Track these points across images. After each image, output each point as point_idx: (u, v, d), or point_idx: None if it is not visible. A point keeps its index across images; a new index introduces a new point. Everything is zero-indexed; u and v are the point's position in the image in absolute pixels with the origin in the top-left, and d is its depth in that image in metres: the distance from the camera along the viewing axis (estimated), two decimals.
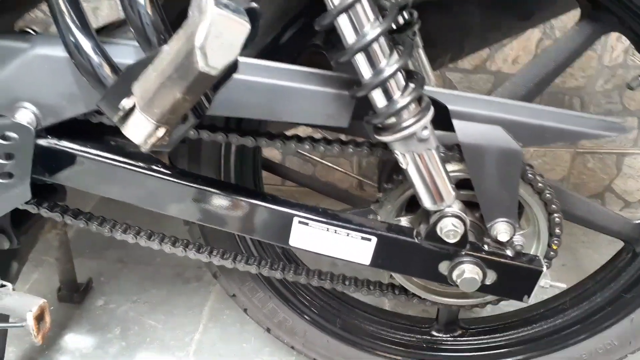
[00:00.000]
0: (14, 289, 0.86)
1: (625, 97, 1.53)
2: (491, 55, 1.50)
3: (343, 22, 0.61)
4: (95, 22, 0.65)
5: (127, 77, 0.57)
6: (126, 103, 0.55)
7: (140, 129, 0.56)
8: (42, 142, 0.72)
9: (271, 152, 1.73)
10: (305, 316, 1.01)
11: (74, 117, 0.70)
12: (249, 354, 1.22)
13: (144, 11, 0.58)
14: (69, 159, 0.74)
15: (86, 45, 0.61)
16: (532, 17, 0.96)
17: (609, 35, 1.44)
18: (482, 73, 1.52)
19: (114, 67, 0.61)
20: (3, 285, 0.84)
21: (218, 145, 0.87)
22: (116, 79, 0.59)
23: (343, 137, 0.87)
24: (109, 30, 0.76)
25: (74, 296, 1.28)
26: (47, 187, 0.85)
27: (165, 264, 1.43)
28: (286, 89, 0.70)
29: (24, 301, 0.79)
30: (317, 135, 0.86)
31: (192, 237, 0.95)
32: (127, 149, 0.75)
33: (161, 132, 0.56)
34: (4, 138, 0.67)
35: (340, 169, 1.59)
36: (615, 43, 1.45)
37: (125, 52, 0.64)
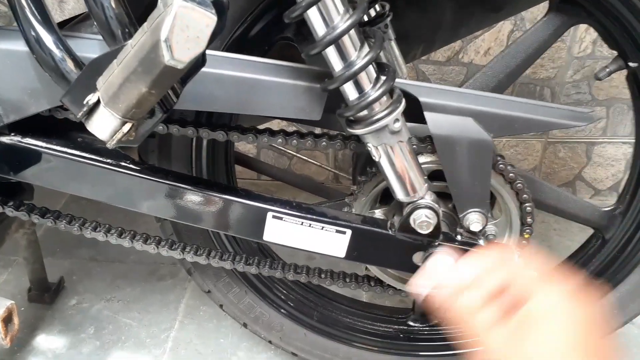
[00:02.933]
0: None
1: (593, 87, 1.56)
2: (463, 48, 1.51)
3: (313, 15, 0.60)
4: (61, 16, 0.63)
5: (90, 71, 0.56)
6: (90, 98, 0.54)
7: (105, 125, 0.55)
8: (5, 139, 0.70)
9: (246, 146, 1.72)
10: (282, 310, 1.01)
11: (38, 113, 0.68)
12: (226, 350, 1.22)
13: (107, 4, 0.57)
14: (34, 157, 0.73)
15: (48, 39, 0.59)
16: (502, 10, 0.97)
17: (577, 27, 1.46)
18: (455, 65, 1.53)
19: (77, 61, 0.59)
20: None
21: (189, 140, 0.86)
22: (79, 73, 0.57)
23: (317, 130, 0.87)
24: (73, 24, 0.74)
25: (45, 296, 1.25)
26: (13, 186, 0.83)
27: (140, 261, 1.41)
28: (256, 82, 0.69)
29: None
30: (291, 128, 0.86)
31: (164, 233, 0.94)
32: (94, 145, 0.73)
33: (127, 127, 0.55)
34: None
35: (315, 162, 1.59)
36: (584, 35, 1.48)
37: (89, 46, 0.63)
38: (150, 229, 0.92)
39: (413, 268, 0.80)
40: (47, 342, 1.20)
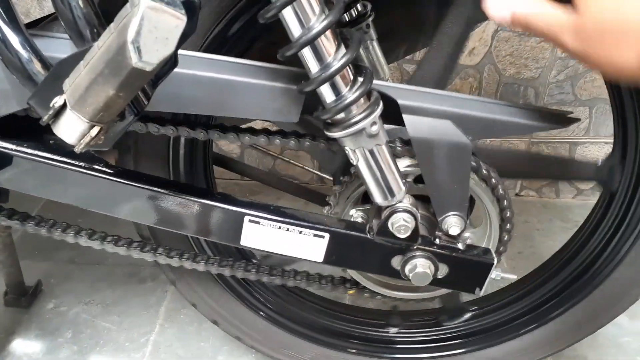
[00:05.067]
0: None
1: (577, 87, 1.57)
2: None
3: (288, 15, 0.59)
4: (40, 13, 0.61)
5: (57, 73, 0.54)
6: (56, 101, 0.52)
7: (72, 129, 0.53)
8: None
9: (229, 146, 1.70)
10: (261, 313, 1.00)
11: (8, 114, 0.66)
12: (207, 353, 1.20)
13: (75, 3, 0.55)
14: (5, 160, 0.70)
15: (14, 39, 0.57)
16: None
17: None
18: None
19: (45, 62, 0.57)
20: None
21: (166, 139, 0.84)
22: (46, 75, 0.56)
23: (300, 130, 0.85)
24: (44, 24, 0.72)
25: (21, 300, 1.23)
26: None
27: (119, 263, 1.39)
28: (233, 83, 0.68)
29: None
30: (274, 127, 0.84)
31: (141, 236, 0.92)
32: (66, 148, 0.71)
33: (95, 130, 0.53)
34: None
35: (298, 164, 1.57)
36: None
37: (58, 47, 0.61)
38: (130, 231, 0.91)
39: (392, 272, 0.80)
40: (23, 346, 1.18)
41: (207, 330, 1.24)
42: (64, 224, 0.84)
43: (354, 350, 1.01)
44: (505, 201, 0.80)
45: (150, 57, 0.48)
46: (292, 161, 1.58)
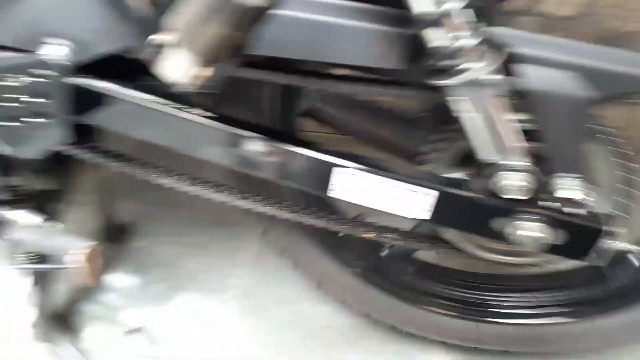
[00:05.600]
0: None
1: None
2: None
3: None
4: None
5: (161, 9, 0.52)
6: (162, 37, 0.50)
7: (179, 66, 0.52)
8: (76, 80, 0.68)
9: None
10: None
11: (110, 53, 0.65)
12: (292, 300, 1.22)
13: None
14: (103, 99, 0.71)
15: None
16: None
17: None
18: (529, 15, 1.36)
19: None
20: (53, 225, 0.83)
21: (261, 86, 0.82)
22: (152, 10, 0.54)
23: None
24: None
25: (116, 237, 1.30)
26: (88, 128, 0.83)
27: (207, 207, 1.42)
28: (329, 25, 0.63)
29: (72, 243, 0.79)
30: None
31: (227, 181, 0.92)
32: (162, 90, 0.71)
33: (206, 71, 0.51)
34: (32, 75, 0.64)
35: None
36: None
37: None
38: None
39: (500, 235, 0.74)
40: (118, 281, 1.25)
41: (292, 276, 1.25)
42: (157, 166, 0.85)
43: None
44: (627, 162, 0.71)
45: None
46: None
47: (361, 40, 0.63)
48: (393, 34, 0.61)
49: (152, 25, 0.50)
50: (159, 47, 0.51)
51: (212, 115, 0.71)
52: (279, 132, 0.75)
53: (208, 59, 0.51)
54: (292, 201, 0.91)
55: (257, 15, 0.48)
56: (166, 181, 0.84)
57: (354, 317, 1.14)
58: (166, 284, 1.24)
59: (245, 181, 0.90)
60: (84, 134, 0.81)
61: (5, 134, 0.68)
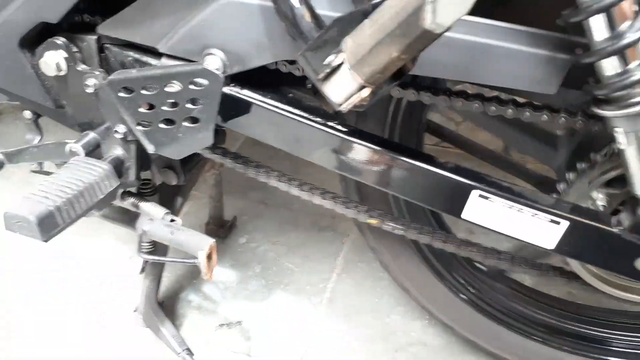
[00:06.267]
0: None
1: None
2: None
3: None
4: None
5: (333, 30, 0.53)
6: (334, 59, 0.51)
7: (343, 88, 0.52)
8: (226, 89, 0.71)
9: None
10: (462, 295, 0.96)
11: (259, 66, 0.68)
12: (381, 310, 1.21)
13: None
14: (248, 108, 0.74)
15: None
16: None
17: None
18: None
19: (317, 17, 0.57)
20: (173, 220, 0.87)
21: (387, 100, 0.82)
22: (321, 31, 0.55)
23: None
24: None
25: (220, 231, 1.35)
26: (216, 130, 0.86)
27: (303, 210, 1.45)
28: (488, 47, 0.62)
29: (194, 239, 0.82)
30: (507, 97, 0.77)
31: (346, 191, 0.93)
32: (304, 102, 0.72)
33: (366, 92, 0.52)
34: (194, 84, 0.67)
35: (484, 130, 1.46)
36: None
37: (330, 2, 0.60)
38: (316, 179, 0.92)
39: (634, 273, 0.70)
40: (219, 274, 1.29)
41: (382, 287, 1.25)
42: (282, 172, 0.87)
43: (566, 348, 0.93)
44: None
45: (444, 19, 0.44)
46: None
47: (520, 64, 0.61)
48: (556, 59, 0.59)
49: (330, 44, 0.51)
50: (329, 68, 0.52)
51: (350, 130, 0.72)
52: (415, 150, 0.75)
53: (372, 82, 0.51)
54: (398, 214, 0.91)
55: (433, 40, 0.47)
56: (279, 184, 0.86)
57: (446, 336, 1.12)
58: (263, 282, 1.27)
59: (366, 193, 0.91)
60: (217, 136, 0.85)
61: (157, 134, 0.72)
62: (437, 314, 1.02)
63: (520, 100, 0.71)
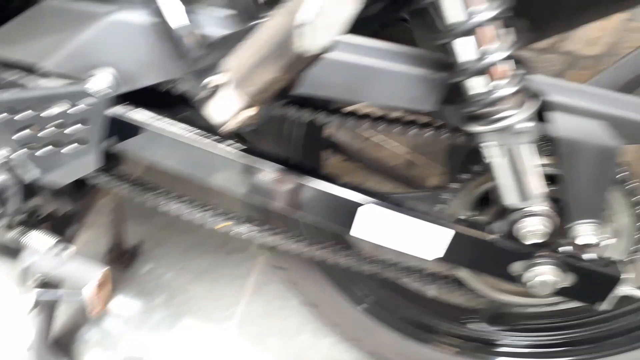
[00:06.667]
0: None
1: None
2: (566, 35, 1.40)
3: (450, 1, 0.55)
4: None
5: (216, 50, 0.53)
6: (215, 79, 0.52)
7: (227, 107, 0.53)
8: (116, 109, 0.69)
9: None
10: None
11: (151, 85, 0.66)
12: (292, 330, 1.21)
13: None
14: (138, 129, 0.72)
15: (171, 11, 0.57)
16: None
17: None
18: (554, 53, 1.42)
19: (200, 37, 0.57)
20: (66, 248, 0.82)
21: (284, 121, 0.84)
22: (205, 51, 0.55)
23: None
24: None
25: (122, 260, 1.29)
26: (109, 154, 0.83)
27: (211, 233, 1.40)
28: (369, 67, 0.65)
29: (82, 270, 0.78)
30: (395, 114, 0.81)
31: (250, 214, 0.93)
32: (199, 122, 0.72)
33: (250, 111, 0.53)
34: (77, 105, 0.64)
35: (389, 146, 1.54)
36: None
37: (213, 21, 0.60)
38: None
39: (511, 277, 0.76)
40: (122, 304, 1.23)
41: (292, 307, 1.25)
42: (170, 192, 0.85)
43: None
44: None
45: (320, 40, 0.46)
46: (382, 144, 1.55)
47: (399, 83, 0.65)
48: (432, 78, 0.63)
49: (199, 62, 0.52)
50: (211, 87, 0.52)
51: (244, 148, 0.72)
52: (305, 167, 0.76)
53: (256, 101, 0.52)
54: (301, 234, 0.92)
55: (312, 61, 0.49)
56: (178, 208, 0.84)
57: (354, 351, 1.14)
58: (168, 311, 1.23)
59: (264, 214, 0.91)
60: (108, 160, 0.82)
61: (41, 158, 0.68)
62: (342, 329, 1.03)
63: (408, 118, 0.75)
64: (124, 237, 1.29)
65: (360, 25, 0.75)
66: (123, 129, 0.71)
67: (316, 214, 0.75)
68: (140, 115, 0.70)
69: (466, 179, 0.77)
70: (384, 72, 0.65)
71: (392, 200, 0.74)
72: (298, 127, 0.87)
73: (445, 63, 0.63)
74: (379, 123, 0.75)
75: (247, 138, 0.82)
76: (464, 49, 0.58)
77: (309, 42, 0.45)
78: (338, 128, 1.28)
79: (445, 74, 0.63)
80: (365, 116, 0.76)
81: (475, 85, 0.60)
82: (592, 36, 1.39)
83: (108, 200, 1.14)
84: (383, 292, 1.01)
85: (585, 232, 0.72)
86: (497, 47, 0.57)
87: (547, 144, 0.68)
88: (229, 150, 0.71)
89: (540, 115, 0.66)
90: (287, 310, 1.25)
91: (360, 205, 0.73)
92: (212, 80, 0.52)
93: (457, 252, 0.74)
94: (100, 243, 1.32)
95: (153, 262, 1.34)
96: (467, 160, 0.81)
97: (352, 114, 0.76)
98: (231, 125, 0.54)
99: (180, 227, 1.43)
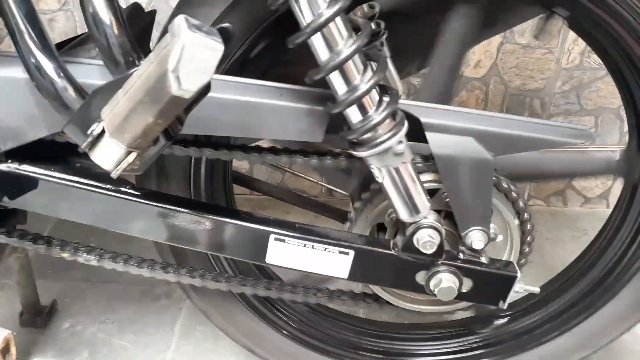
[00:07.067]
0: None
1: (582, 97, 1.58)
2: None
3: (317, 41, 0.60)
4: (51, 35, 0.62)
5: (94, 100, 0.55)
6: (95, 128, 0.53)
7: (110, 155, 0.54)
8: (2, 166, 0.68)
9: (236, 162, 1.71)
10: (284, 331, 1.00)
11: (36, 140, 0.66)
12: None
13: (110, 31, 0.56)
14: (31, 183, 0.71)
15: (48, 66, 0.59)
16: (496, 25, 0.98)
17: (566, 38, 1.49)
18: None
19: (78, 89, 0.58)
20: None
21: (187, 160, 0.85)
22: (82, 102, 0.57)
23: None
24: (70, 47, 0.73)
25: (37, 320, 1.23)
26: (7, 211, 0.81)
27: (133, 281, 1.38)
28: (258, 105, 0.69)
29: None
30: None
31: (161, 256, 0.93)
32: (93, 171, 0.72)
33: (132, 157, 0.54)
34: None
35: (308, 177, 1.58)
36: (572, 46, 1.50)
37: (90, 73, 0.62)
38: (142, 250, 0.91)
39: (416, 287, 0.80)
40: None
41: (224, 347, 1.24)
42: (78, 244, 0.84)
43: None
44: (525, 214, 0.81)
45: (190, 85, 0.49)
46: (301, 175, 1.59)
47: (286, 118, 0.68)
48: (317, 111, 0.68)
49: (92, 114, 0.53)
50: (93, 137, 0.53)
51: (143, 193, 0.73)
52: (214, 205, 0.78)
53: (136, 147, 0.54)
54: (216, 270, 0.93)
55: (187, 105, 0.52)
56: (88, 258, 0.83)
57: None
58: None
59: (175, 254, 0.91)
60: (5, 217, 0.80)
61: None
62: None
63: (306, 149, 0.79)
64: (35, 297, 1.23)
65: (250, 66, 0.80)
66: (15, 185, 0.71)
67: (229, 247, 0.77)
68: (32, 168, 0.70)
69: (366, 199, 0.82)
70: (271, 108, 0.69)
71: (295, 228, 0.77)
72: (205, 165, 0.89)
73: (328, 97, 0.68)
74: (292, 157, 0.78)
75: (147, 180, 0.83)
76: (337, 83, 0.63)
77: (185, 85, 0.48)
78: (252, 163, 1.31)
79: (327, 107, 0.67)
80: (269, 150, 0.79)
81: (352, 115, 0.65)
82: (475, 59, 1.52)
83: (13, 259, 1.09)
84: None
85: (476, 238, 0.78)
86: (363, 79, 0.62)
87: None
88: (123, 195, 0.71)
89: (423, 136, 0.73)
90: (219, 350, 1.24)
91: (271, 233, 0.76)
92: (92, 130, 0.53)
93: (362, 269, 0.78)
94: (14, 305, 1.25)
95: (72, 318, 1.28)
96: (366, 181, 0.86)
97: (256, 148, 0.80)
98: (117, 171, 0.55)
99: (100, 278, 1.40)
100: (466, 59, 1.51)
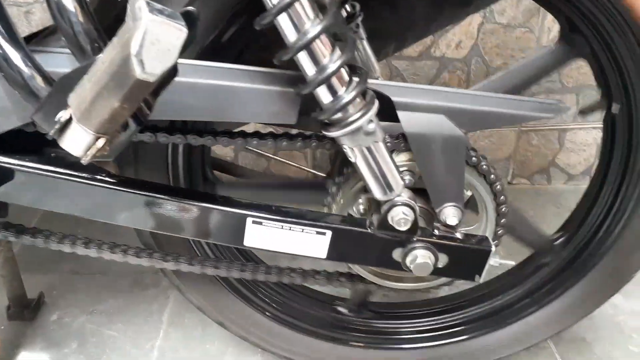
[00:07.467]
0: None
1: (563, 75, 1.60)
2: (435, 42, 1.52)
3: (283, 21, 0.60)
4: (28, 27, 0.62)
5: (61, 88, 0.55)
6: (62, 115, 0.53)
7: (78, 141, 0.54)
8: None
9: (222, 149, 1.71)
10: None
11: (8, 130, 0.67)
12: (213, 356, 1.21)
13: (75, 19, 0.56)
14: (6, 174, 0.71)
15: (15, 56, 0.59)
16: (471, 4, 0.98)
17: (545, 16, 1.49)
18: (427, 59, 1.55)
19: (46, 77, 0.59)
20: None
21: (164, 147, 0.86)
22: (50, 90, 0.57)
23: (293, 130, 0.87)
24: (40, 39, 0.72)
25: (25, 313, 1.23)
26: None
27: (122, 271, 1.40)
28: (230, 89, 0.69)
29: None
30: (266, 129, 0.86)
31: (143, 243, 0.93)
32: (68, 160, 0.72)
33: (101, 142, 0.55)
34: None
35: (293, 163, 1.59)
36: (552, 25, 1.51)
37: (58, 62, 0.62)
38: (129, 239, 0.92)
39: (393, 264, 0.81)
40: (29, 359, 1.18)
41: (212, 333, 1.25)
42: (64, 234, 0.85)
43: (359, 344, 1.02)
44: (502, 196, 0.82)
45: (154, 69, 0.49)
46: (286, 161, 1.60)
47: (258, 101, 0.69)
48: (288, 93, 0.68)
49: (59, 101, 0.53)
50: (61, 124, 0.54)
51: (119, 180, 0.73)
52: (190, 190, 0.79)
53: (104, 132, 0.54)
54: (200, 255, 0.94)
55: (153, 89, 0.52)
56: (74, 249, 0.84)
57: None
58: (83, 356, 1.19)
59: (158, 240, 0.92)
60: None
61: None
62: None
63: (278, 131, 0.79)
64: (22, 290, 1.24)
65: (223, 51, 0.81)
66: None
67: (208, 232, 0.78)
68: (4, 160, 0.70)
69: (341, 180, 0.83)
70: (242, 91, 0.69)
71: (272, 210, 0.78)
72: (181, 152, 0.89)
73: (299, 78, 0.68)
74: (265, 140, 0.79)
75: (127, 170, 0.84)
76: (305, 63, 0.63)
77: (144, 70, 0.48)
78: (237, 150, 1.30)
79: (298, 88, 0.68)
80: (238, 134, 0.80)
81: (322, 95, 0.66)
82: (456, 40, 1.53)
83: None
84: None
85: (450, 214, 0.79)
86: (331, 58, 0.63)
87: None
88: (100, 183, 0.72)
89: (395, 115, 0.73)
90: (207, 336, 1.25)
91: (247, 216, 0.76)
92: (60, 117, 0.53)
93: (340, 249, 0.79)
94: (1, 299, 1.26)
95: (60, 310, 1.29)
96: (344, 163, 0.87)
97: (238, 134, 0.80)
98: (87, 157, 0.55)
99: (88, 270, 1.40)
100: (447, 41, 1.52)
